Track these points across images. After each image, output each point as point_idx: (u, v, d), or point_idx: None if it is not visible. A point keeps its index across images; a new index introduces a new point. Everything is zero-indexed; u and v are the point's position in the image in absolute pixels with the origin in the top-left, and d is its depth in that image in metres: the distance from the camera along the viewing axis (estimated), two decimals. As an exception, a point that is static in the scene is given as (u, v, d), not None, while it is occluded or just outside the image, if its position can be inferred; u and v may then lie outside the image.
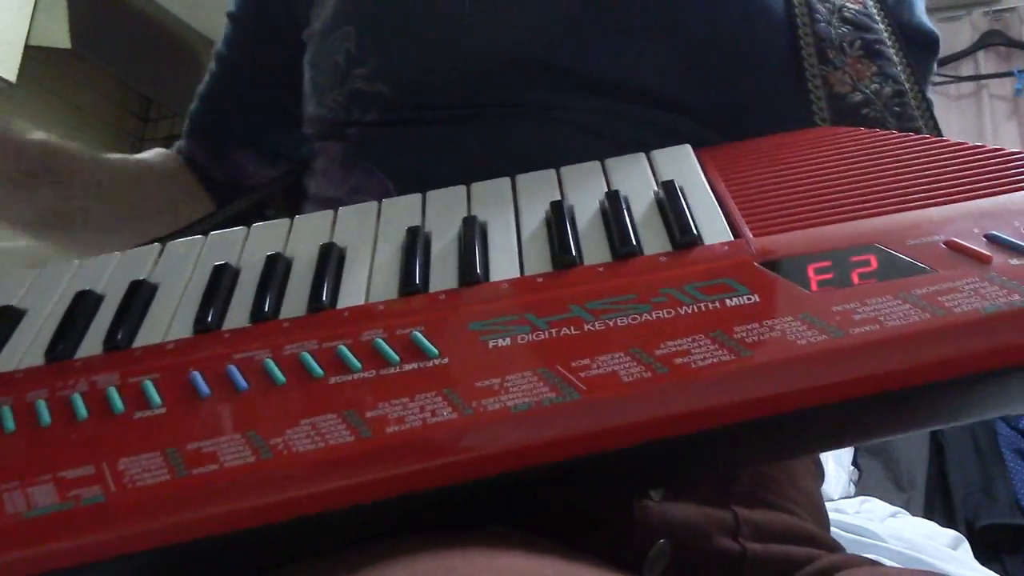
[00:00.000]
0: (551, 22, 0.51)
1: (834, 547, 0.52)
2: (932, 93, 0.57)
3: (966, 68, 2.79)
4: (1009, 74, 2.73)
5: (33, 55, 2.39)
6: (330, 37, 0.56)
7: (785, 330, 0.33)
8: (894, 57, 0.50)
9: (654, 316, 0.35)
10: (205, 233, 0.49)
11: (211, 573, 0.37)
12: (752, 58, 0.51)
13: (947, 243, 0.35)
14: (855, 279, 0.34)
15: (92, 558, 0.32)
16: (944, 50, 2.76)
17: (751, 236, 0.38)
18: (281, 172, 0.71)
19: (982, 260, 0.34)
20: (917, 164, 0.41)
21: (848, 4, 0.52)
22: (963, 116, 2.74)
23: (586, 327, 0.35)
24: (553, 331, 0.35)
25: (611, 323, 0.35)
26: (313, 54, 0.59)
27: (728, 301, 0.35)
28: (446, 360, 0.35)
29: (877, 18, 0.52)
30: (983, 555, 1.51)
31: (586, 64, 0.51)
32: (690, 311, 0.35)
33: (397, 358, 0.35)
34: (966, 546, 1.45)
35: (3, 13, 2.26)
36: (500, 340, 0.35)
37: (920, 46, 0.57)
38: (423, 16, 0.53)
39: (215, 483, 0.32)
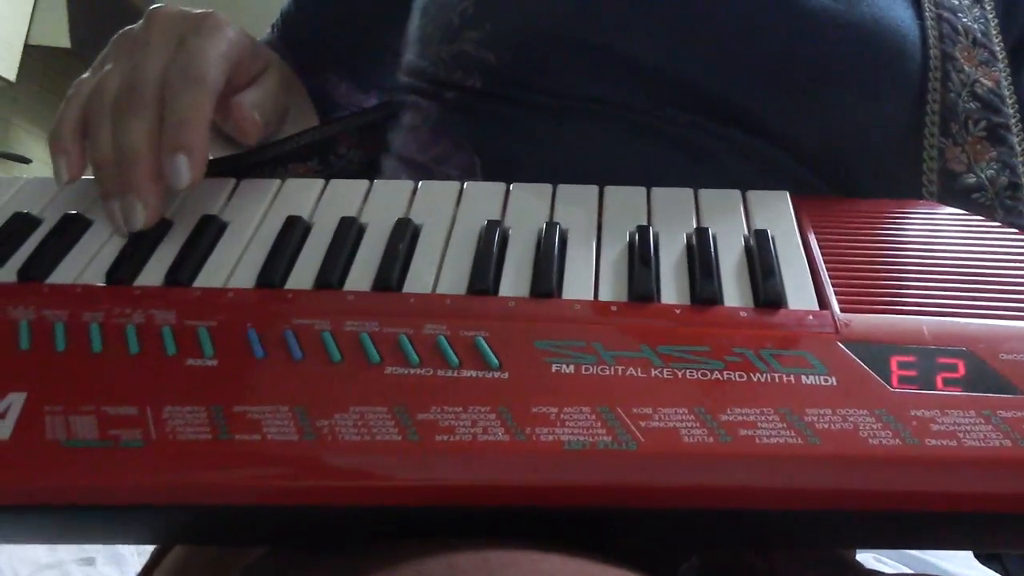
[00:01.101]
0: (682, 39, 0.49)
1: (857, 568, 0.52)
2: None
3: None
4: None
5: (33, 55, 2.38)
6: None
7: (858, 424, 0.32)
8: (1016, 147, 0.48)
9: (725, 377, 0.34)
10: (269, 164, 0.48)
11: (234, 540, 0.37)
12: (875, 107, 0.49)
13: (1043, 365, 0.34)
14: (939, 383, 0.33)
15: (121, 502, 0.32)
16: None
17: (838, 310, 0.37)
18: (374, 103, 0.68)
19: (1077, 394, 0.32)
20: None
21: (982, 79, 0.50)
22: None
23: (653, 372, 0.34)
24: (619, 368, 0.34)
25: (680, 374, 0.34)
26: (426, 2, 0.57)
27: (804, 378, 0.33)
28: (506, 375, 0.34)
29: (1008, 101, 0.50)
30: (983, 555, 1.51)
31: (708, 87, 0.49)
32: (763, 379, 0.33)
33: (457, 361, 0.35)
34: None
35: (3, 13, 2.25)
36: (564, 366, 0.34)
37: None
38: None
39: (255, 454, 0.32)
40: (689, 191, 0.45)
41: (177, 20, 0.46)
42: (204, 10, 0.47)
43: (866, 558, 0.74)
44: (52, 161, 0.44)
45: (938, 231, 0.42)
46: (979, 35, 0.52)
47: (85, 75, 0.47)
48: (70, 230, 0.43)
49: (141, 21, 0.47)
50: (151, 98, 0.43)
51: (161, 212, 0.43)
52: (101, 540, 0.39)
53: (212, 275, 0.40)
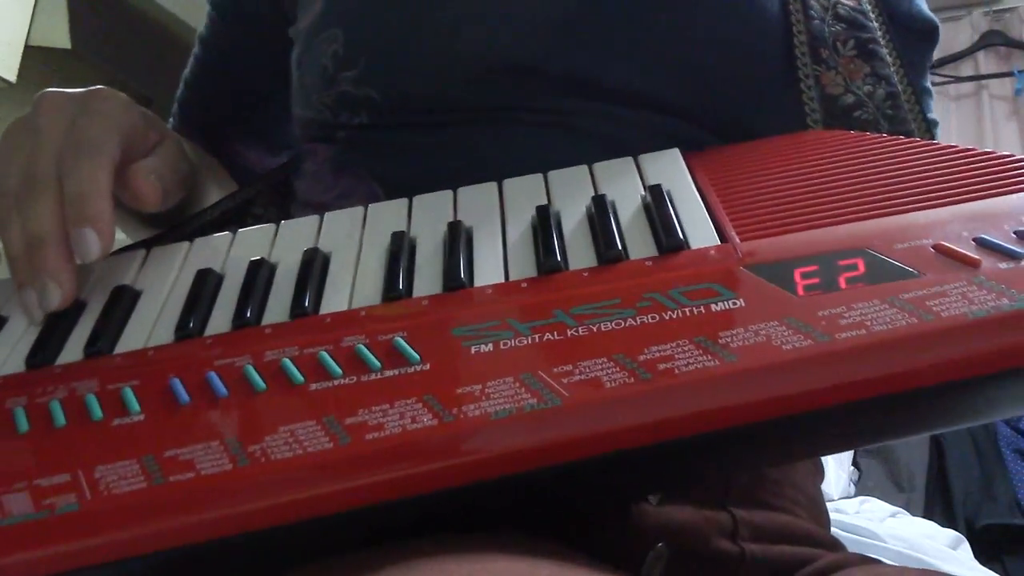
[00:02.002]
0: (543, 26, 0.50)
1: (834, 545, 0.52)
2: (932, 93, 0.56)
3: (966, 68, 2.80)
4: (1009, 74, 2.74)
5: (33, 55, 2.38)
6: (317, 38, 0.55)
7: (770, 335, 0.32)
8: (887, 57, 0.50)
9: (638, 321, 0.34)
10: (189, 236, 0.48)
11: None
12: (747, 59, 0.51)
13: (936, 247, 0.34)
14: (842, 283, 0.34)
15: (66, 567, 0.32)
16: (944, 50, 2.77)
17: (738, 240, 0.37)
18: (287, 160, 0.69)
19: (971, 264, 0.33)
20: (906, 168, 0.40)
21: (843, 0, 0.51)
22: (963, 116, 2.75)
23: (569, 332, 0.34)
24: (536, 336, 0.35)
25: (595, 328, 0.34)
26: (300, 54, 0.58)
27: (713, 306, 0.34)
28: (427, 366, 0.34)
29: (871, 15, 0.51)
30: (983, 555, 1.50)
31: (579, 68, 0.51)
32: (675, 316, 0.34)
33: (378, 364, 0.35)
34: (966, 546, 1.44)
35: (3, 13, 2.25)
36: (482, 346, 0.35)
37: (916, 34, 0.56)
38: (412, 20, 0.53)
39: (191, 491, 0.32)
40: (584, 167, 0.46)
41: (66, 101, 0.46)
42: (93, 87, 0.48)
43: None
44: None
45: (824, 153, 0.43)
46: None
47: None
48: (-15, 328, 0.43)
49: (31, 109, 0.47)
50: (49, 180, 0.43)
51: (76, 289, 0.43)
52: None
53: (131, 339, 0.40)
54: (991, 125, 2.68)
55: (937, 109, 0.50)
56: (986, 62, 2.78)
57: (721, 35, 0.50)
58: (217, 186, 0.65)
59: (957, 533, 1.47)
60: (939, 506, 1.88)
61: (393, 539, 0.33)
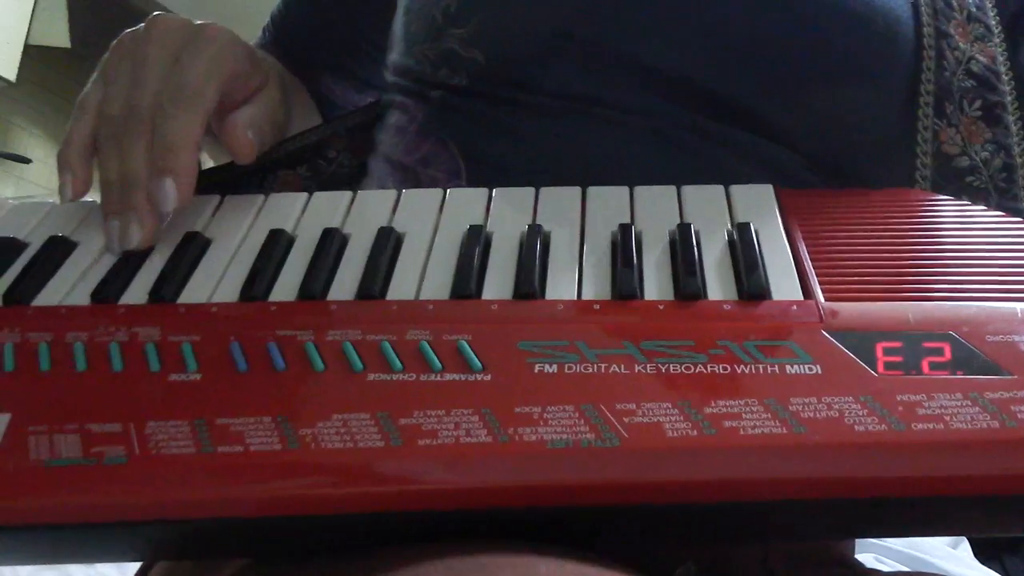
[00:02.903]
0: (673, 37, 0.49)
1: (857, 568, 0.51)
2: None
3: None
4: None
5: (33, 55, 2.40)
6: None
7: (844, 411, 0.31)
8: (1012, 126, 0.48)
9: (709, 370, 0.33)
10: (263, 169, 0.48)
11: (222, 553, 0.36)
12: (867, 95, 0.49)
13: (1029, 346, 0.33)
14: (925, 368, 0.33)
15: (105, 518, 0.32)
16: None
17: (822, 299, 0.36)
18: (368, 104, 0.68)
19: (1064, 373, 0.32)
20: (1015, 251, 0.39)
21: (978, 56, 0.49)
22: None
23: (637, 368, 0.34)
24: (603, 366, 0.34)
25: (663, 369, 0.34)
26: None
27: (788, 368, 0.33)
28: (489, 377, 0.34)
29: (1004, 78, 0.49)
30: (983, 554, 1.49)
31: (687, 74, 0.49)
32: (747, 371, 0.33)
33: (440, 365, 0.34)
34: (966, 545, 1.42)
35: (3, 13, 2.26)
36: (547, 366, 0.34)
37: None
38: None
39: (239, 465, 0.32)
40: (672, 188, 0.45)
41: (175, 31, 0.46)
42: (204, 22, 0.47)
43: (866, 558, 0.73)
44: (59, 178, 0.45)
45: (923, 217, 0.42)
46: (973, 9, 0.51)
47: (88, 87, 0.47)
48: (55, 253, 0.43)
49: (142, 27, 0.47)
50: (147, 122, 0.43)
51: (155, 234, 0.43)
52: (89, 559, 0.39)
53: (196, 291, 0.40)
54: None
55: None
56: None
57: (847, 67, 0.48)
58: (301, 119, 0.64)
59: None
60: None
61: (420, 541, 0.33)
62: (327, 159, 0.62)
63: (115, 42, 0.48)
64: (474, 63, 0.52)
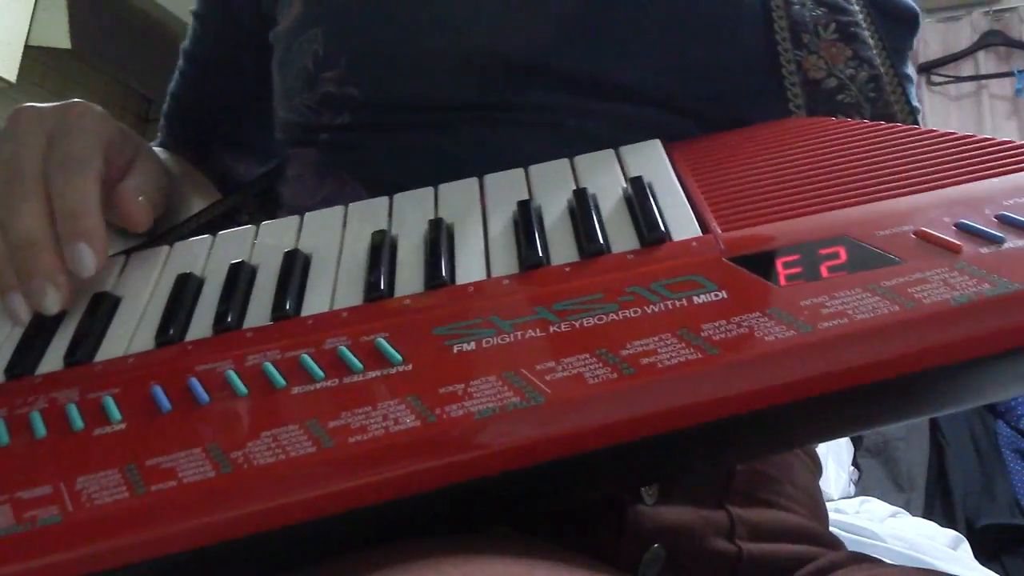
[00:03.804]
0: (525, 21, 0.50)
1: (833, 543, 0.52)
2: (932, 93, 0.56)
3: (966, 68, 2.80)
4: (1009, 74, 2.75)
5: (33, 55, 2.37)
6: (298, 39, 0.55)
7: (753, 326, 0.32)
8: (869, 40, 0.49)
9: (620, 316, 0.34)
10: (170, 243, 0.48)
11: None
12: (729, 47, 0.50)
13: (917, 233, 0.34)
14: (824, 272, 0.34)
15: (50, 581, 0.31)
16: (944, 50, 2.77)
17: (720, 231, 0.37)
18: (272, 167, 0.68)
19: (952, 250, 0.33)
20: (887, 153, 0.40)
21: None
22: (963, 116, 2.75)
23: (551, 329, 0.34)
24: (518, 334, 0.34)
25: (577, 324, 0.34)
26: (281, 57, 0.58)
27: (695, 298, 0.34)
28: (410, 367, 0.34)
29: (853, 0, 0.51)
30: (983, 555, 1.51)
31: (560, 64, 0.50)
32: (657, 310, 0.34)
33: (360, 366, 0.35)
34: (966, 546, 1.44)
35: (3, 13, 2.24)
36: (464, 345, 0.34)
37: (897, 21, 0.56)
38: (394, 17, 0.52)
39: (174, 499, 0.31)
40: (565, 161, 0.45)
41: (43, 113, 0.46)
42: (67, 102, 0.47)
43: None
44: None
45: (805, 140, 0.43)
46: None
47: None
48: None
49: (5, 124, 0.47)
50: (34, 185, 0.42)
51: (73, 292, 0.42)
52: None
53: (112, 346, 0.40)
54: (991, 125, 2.69)
55: (937, 109, 0.50)
56: (986, 62, 2.79)
57: (704, 25, 0.50)
58: (199, 197, 0.64)
59: (957, 533, 1.48)
60: (939, 506, 1.88)
61: (382, 541, 0.33)
62: (241, 224, 0.62)
63: None
64: (352, 99, 0.53)
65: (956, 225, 0.34)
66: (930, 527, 1.49)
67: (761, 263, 0.35)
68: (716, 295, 0.34)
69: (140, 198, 0.46)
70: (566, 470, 0.32)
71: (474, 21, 0.50)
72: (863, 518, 1.44)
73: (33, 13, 2.33)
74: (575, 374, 0.32)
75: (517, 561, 0.32)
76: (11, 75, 2.26)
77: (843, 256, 0.34)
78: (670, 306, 0.34)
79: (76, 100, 0.47)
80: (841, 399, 0.31)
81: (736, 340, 0.32)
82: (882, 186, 0.38)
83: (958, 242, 0.33)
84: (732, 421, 0.31)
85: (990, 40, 2.78)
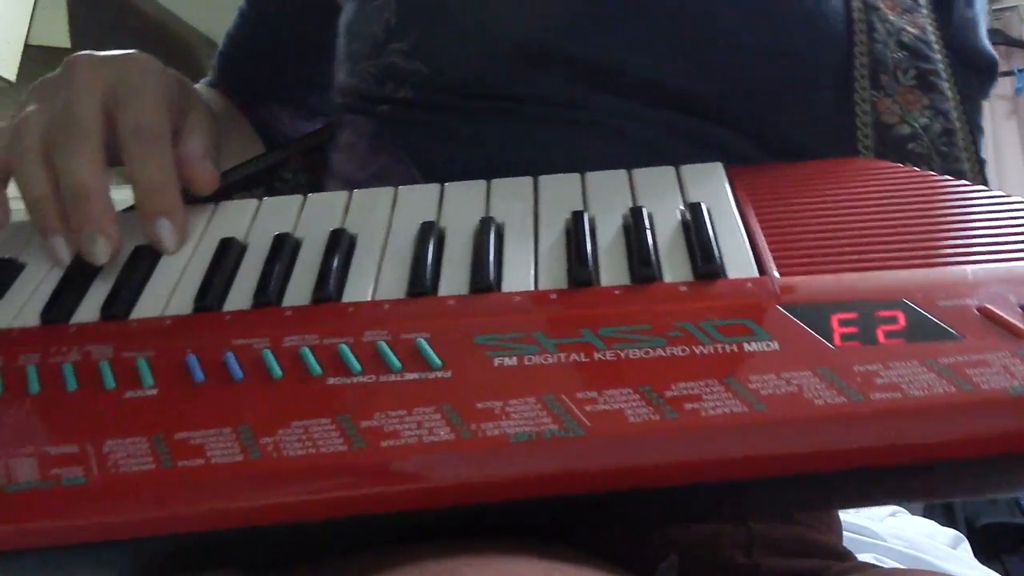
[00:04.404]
0: (595, 23, 0.49)
1: (844, 556, 0.52)
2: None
3: (967, 67, 2.76)
4: (1009, 74, 2.72)
5: (33, 55, 2.35)
6: (371, 3, 0.53)
7: (802, 385, 0.31)
8: (948, 91, 0.48)
9: (668, 352, 0.33)
10: (216, 193, 0.47)
11: (193, 567, 0.36)
12: (804, 73, 0.49)
13: (981, 309, 0.33)
14: (880, 337, 0.33)
15: (66, 541, 0.31)
16: (945, 50, 2.73)
17: (777, 275, 0.36)
18: (323, 126, 0.68)
19: (1016, 334, 0.32)
20: (959, 215, 0.39)
21: (907, 27, 0.50)
22: (963, 115, 2.72)
23: (596, 356, 0.34)
24: (562, 355, 0.34)
25: (622, 354, 0.34)
26: (350, 20, 0.56)
27: (746, 345, 0.33)
28: (449, 374, 0.34)
29: (935, 47, 0.49)
30: (983, 555, 1.51)
31: (627, 66, 0.49)
32: (706, 351, 0.33)
33: (399, 365, 0.34)
34: (966, 545, 1.45)
35: (3, 13, 2.22)
36: (506, 359, 0.34)
37: (977, 70, 0.55)
38: None
39: (200, 479, 0.31)
40: (623, 172, 0.45)
41: (101, 63, 0.45)
42: (126, 51, 0.46)
43: (866, 558, 0.74)
44: None
45: (876, 186, 0.42)
46: None
47: None
48: (3, 275, 0.42)
49: (59, 69, 0.46)
50: (92, 135, 0.42)
51: (121, 244, 0.42)
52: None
53: (149, 305, 0.40)
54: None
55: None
56: (986, 61, 2.75)
57: (782, 46, 0.48)
58: (239, 145, 0.64)
59: (957, 532, 1.47)
60: (939, 505, 1.89)
61: (398, 544, 0.33)
62: (283, 180, 0.61)
63: (32, 86, 0.46)
64: (418, 74, 0.52)
65: (1022, 307, 0.33)
66: (930, 526, 1.50)
67: (816, 317, 0.34)
68: (767, 345, 0.33)
69: (207, 162, 0.46)
70: (594, 504, 0.32)
71: (546, 16, 0.49)
72: (863, 517, 1.44)
73: (33, 12, 2.31)
74: (616, 409, 0.31)
75: (536, 563, 0.32)
76: (11, 74, 2.25)
77: (902, 322, 0.33)
78: (719, 350, 0.33)
79: (134, 52, 0.46)
80: (883, 474, 0.31)
81: (784, 398, 0.31)
82: (949, 250, 0.37)
83: (1023, 326, 0.32)
84: (770, 480, 0.31)
85: (990, 39, 2.73)
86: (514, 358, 0.34)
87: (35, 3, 2.29)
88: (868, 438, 0.30)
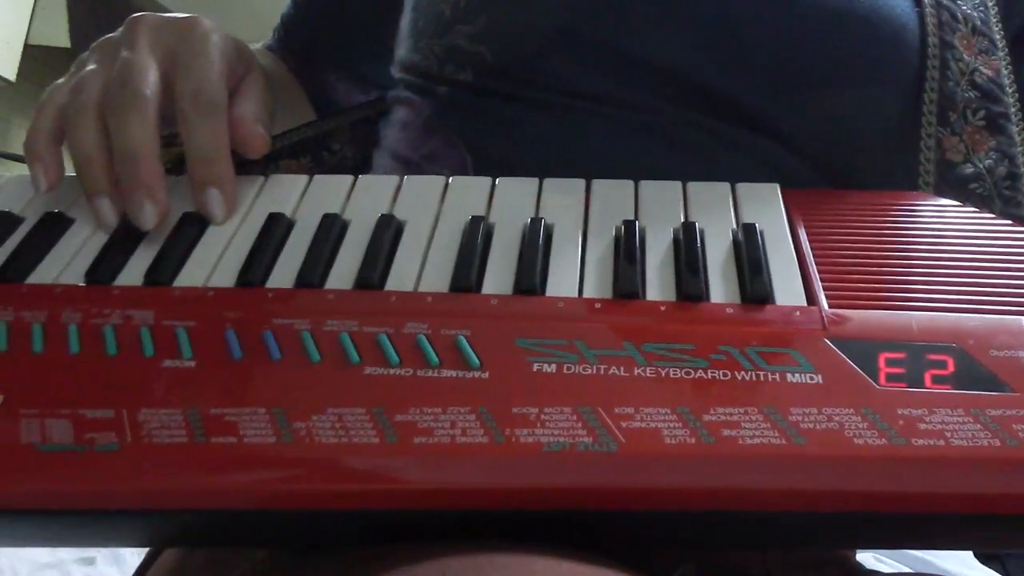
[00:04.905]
0: (674, 31, 0.48)
1: (860, 571, 0.51)
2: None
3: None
4: None
5: (33, 55, 2.37)
6: None
7: (844, 423, 0.31)
8: (1016, 136, 0.47)
9: (709, 375, 0.33)
10: (264, 158, 0.47)
11: (219, 543, 0.36)
12: (872, 101, 0.48)
13: (1034, 362, 0.33)
14: (928, 381, 0.32)
15: (97, 506, 0.32)
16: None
17: (826, 306, 0.36)
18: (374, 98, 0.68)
19: (1068, 391, 0.31)
20: (1020, 261, 0.38)
21: (981, 68, 0.49)
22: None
23: (636, 371, 0.33)
24: (602, 367, 0.34)
25: (663, 372, 0.33)
26: None
27: (789, 376, 0.33)
28: (487, 375, 0.34)
29: (1008, 90, 0.48)
30: (983, 555, 1.50)
31: (703, 80, 0.48)
32: (747, 378, 0.33)
33: (437, 361, 0.34)
34: None
35: (3, 13, 2.24)
36: (545, 365, 0.34)
37: None
38: None
39: (232, 457, 0.31)
40: (677, 184, 0.44)
41: (163, 26, 0.45)
42: (188, 15, 0.46)
43: (865, 557, 0.73)
44: (29, 169, 0.44)
45: (930, 223, 0.41)
46: (979, 23, 0.51)
47: (60, 80, 0.46)
48: (50, 229, 0.43)
49: (122, 28, 0.46)
50: (150, 95, 0.42)
51: (168, 210, 0.42)
52: (86, 543, 0.39)
53: (193, 274, 0.40)
54: None
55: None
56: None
57: (852, 71, 0.47)
58: (289, 110, 0.63)
59: None
60: None
61: (420, 540, 0.33)
62: (331, 151, 0.61)
63: (95, 44, 0.46)
64: (480, 59, 0.51)
65: None
66: None
67: (863, 353, 0.34)
68: (811, 377, 0.33)
69: (259, 126, 0.46)
70: (620, 521, 0.32)
71: (623, 18, 0.48)
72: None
73: (33, 12, 2.32)
74: (653, 428, 0.31)
75: (558, 563, 0.32)
76: (11, 74, 2.26)
77: (951, 367, 0.33)
78: (761, 378, 0.33)
79: (195, 16, 0.46)
80: (916, 521, 0.30)
81: (824, 434, 0.31)
82: (1008, 299, 0.36)
83: (1075, 384, 0.32)
84: (803, 516, 0.30)
85: None
86: (553, 365, 0.34)
87: (35, 3, 2.31)
88: (907, 483, 0.30)
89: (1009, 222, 0.40)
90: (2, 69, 2.25)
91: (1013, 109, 0.48)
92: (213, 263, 0.40)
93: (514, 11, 0.50)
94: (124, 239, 0.42)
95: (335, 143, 0.62)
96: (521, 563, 0.31)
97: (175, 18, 0.45)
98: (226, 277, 0.39)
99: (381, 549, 0.32)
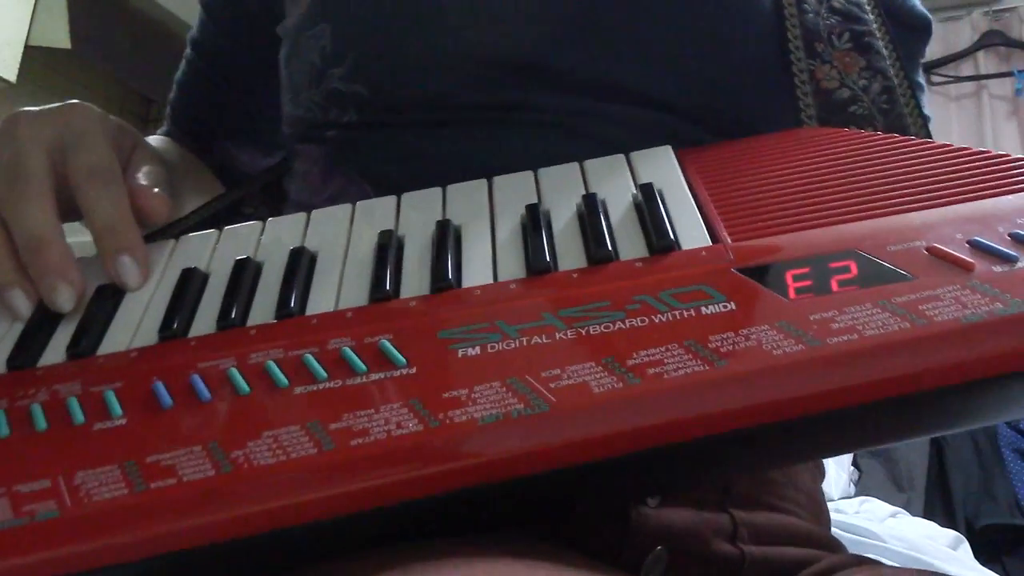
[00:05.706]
0: (540, 23, 0.50)
1: (834, 546, 0.51)
2: (932, 93, 0.56)
3: (966, 68, 2.80)
4: (1009, 74, 2.74)
5: (33, 55, 2.37)
6: (305, 34, 0.54)
7: (761, 339, 0.32)
8: (883, 50, 0.49)
9: (627, 324, 0.34)
10: (176, 235, 0.47)
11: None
12: (741, 54, 0.50)
13: (929, 249, 0.34)
14: (834, 286, 0.33)
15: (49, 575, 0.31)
16: (944, 50, 2.77)
17: (730, 241, 0.37)
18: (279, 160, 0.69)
19: (964, 267, 0.33)
20: (901, 167, 0.40)
21: None
22: (963, 116, 2.75)
23: (558, 335, 0.34)
24: (524, 339, 0.34)
25: (583, 331, 0.34)
26: (288, 52, 0.57)
27: (704, 309, 0.34)
28: (413, 370, 0.34)
29: (867, 8, 0.50)
30: (983, 555, 1.51)
31: (576, 66, 0.50)
32: (664, 319, 0.34)
33: (364, 367, 0.34)
34: (966, 546, 1.44)
35: (3, 13, 2.24)
36: (469, 349, 0.34)
37: (910, 30, 0.56)
38: (402, 15, 0.52)
39: (173, 498, 0.31)
40: (575, 165, 0.45)
41: (41, 115, 0.45)
42: (64, 103, 0.47)
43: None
44: None
45: (817, 150, 0.43)
46: None
47: None
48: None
49: (0, 126, 0.46)
50: (42, 185, 0.42)
51: (84, 289, 0.42)
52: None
53: (115, 340, 0.40)
54: (991, 125, 2.69)
55: (937, 109, 0.50)
56: (986, 62, 2.78)
57: (715, 31, 0.49)
58: (199, 188, 0.64)
59: (957, 533, 1.47)
60: (939, 506, 1.88)
61: (381, 544, 0.33)
62: (245, 216, 0.62)
63: None
64: (359, 97, 0.52)
65: (969, 242, 0.34)
66: (930, 527, 1.49)
67: (771, 275, 0.35)
68: (724, 306, 0.34)
69: (157, 189, 0.46)
70: (569, 479, 0.32)
71: (478, 20, 0.50)
72: (863, 518, 1.44)
73: (33, 13, 2.33)
74: (580, 382, 0.32)
75: (518, 562, 0.32)
76: (11, 75, 2.26)
77: (854, 270, 0.34)
78: (677, 316, 0.34)
79: (73, 102, 0.46)
80: (848, 416, 0.31)
81: (744, 352, 0.31)
82: (894, 200, 0.37)
83: (971, 260, 0.33)
84: (738, 435, 0.31)
85: (990, 40, 2.78)
86: (477, 348, 0.34)
87: (35, 4, 2.30)
88: (831, 381, 0.30)
89: (882, 134, 0.42)
90: (2, 70, 2.21)
91: (875, 25, 0.50)
92: (134, 327, 0.40)
93: (376, 42, 0.52)
94: (43, 322, 0.41)
95: (247, 208, 0.63)
96: (483, 566, 0.31)
97: (52, 108, 0.46)
98: (148, 337, 0.39)
99: (338, 565, 0.32)
